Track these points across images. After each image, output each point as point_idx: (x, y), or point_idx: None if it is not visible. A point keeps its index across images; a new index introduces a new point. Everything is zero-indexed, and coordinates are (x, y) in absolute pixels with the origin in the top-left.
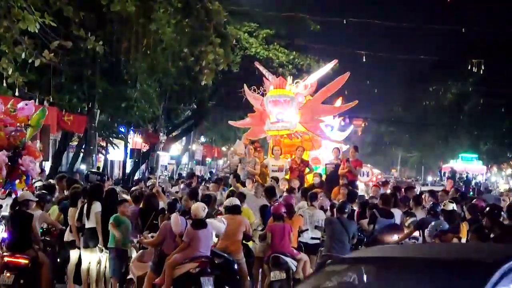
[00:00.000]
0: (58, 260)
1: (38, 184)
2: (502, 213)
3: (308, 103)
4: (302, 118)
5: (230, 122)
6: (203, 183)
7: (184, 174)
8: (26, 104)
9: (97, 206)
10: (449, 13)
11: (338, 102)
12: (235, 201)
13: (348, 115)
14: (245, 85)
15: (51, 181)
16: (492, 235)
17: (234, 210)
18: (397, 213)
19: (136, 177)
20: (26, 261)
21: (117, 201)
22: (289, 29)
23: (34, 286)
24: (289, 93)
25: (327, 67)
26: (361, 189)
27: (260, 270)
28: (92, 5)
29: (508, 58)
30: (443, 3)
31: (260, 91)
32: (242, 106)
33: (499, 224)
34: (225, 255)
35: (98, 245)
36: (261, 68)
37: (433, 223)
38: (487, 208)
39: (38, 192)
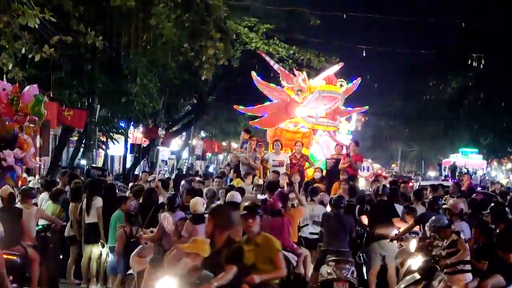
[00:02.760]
0: (61, 256)
1: (32, 181)
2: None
3: None
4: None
5: (236, 107)
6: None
7: (184, 169)
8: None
9: (98, 202)
10: (449, 6)
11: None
12: (236, 196)
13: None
14: (253, 72)
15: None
16: (497, 230)
17: (233, 205)
18: (398, 208)
19: (136, 172)
20: (14, 258)
21: (116, 196)
22: (289, 24)
23: (23, 283)
24: (339, 90)
25: (333, 69)
26: (361, 184)
27: None
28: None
29: (508, 52)
30: None
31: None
32: (243, 100)
33: (504, 219)
34: None
35: (100, 240)
36: (267, 58)
37: (433, 217)
38: (492, 204)
39: (24, 187)
